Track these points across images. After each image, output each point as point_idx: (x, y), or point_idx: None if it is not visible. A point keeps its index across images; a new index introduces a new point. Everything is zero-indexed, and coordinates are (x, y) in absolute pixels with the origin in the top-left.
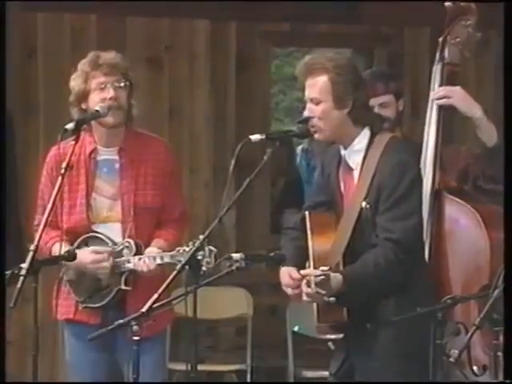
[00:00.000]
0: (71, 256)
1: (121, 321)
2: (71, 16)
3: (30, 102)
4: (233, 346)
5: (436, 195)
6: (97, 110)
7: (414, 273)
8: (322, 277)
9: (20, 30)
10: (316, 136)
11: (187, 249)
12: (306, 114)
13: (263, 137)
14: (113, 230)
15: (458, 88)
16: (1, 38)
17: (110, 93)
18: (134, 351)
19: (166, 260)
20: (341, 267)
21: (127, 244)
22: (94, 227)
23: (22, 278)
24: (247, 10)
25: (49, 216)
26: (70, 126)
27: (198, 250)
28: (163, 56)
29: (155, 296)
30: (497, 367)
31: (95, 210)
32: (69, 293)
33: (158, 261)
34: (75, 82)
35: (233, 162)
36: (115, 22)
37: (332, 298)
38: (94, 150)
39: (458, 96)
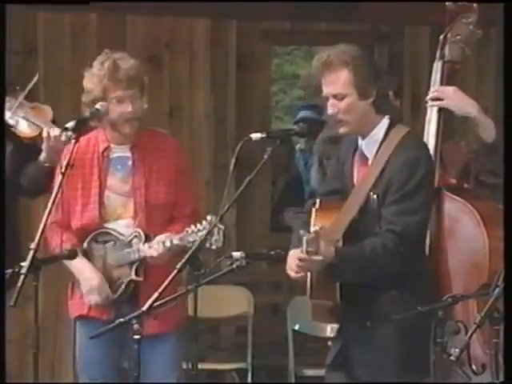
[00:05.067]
0: (72, 255)
1: (121, 319)
2: (71, 15)
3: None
4: (233, 344)
5: (436, 193)
6: (97, 109)
7: (414, 268)
8: (313, 235)
9: (20, 28)
10: (341, 130)
11: (195, 229)
12: (329, 111)
13: (263, 135)
14: (125, 227)
15: (450, 88)
16: (1, 37)
17: (129, 107)
18: (134, 350)
19: (175, 242)
20: (340, 245)
21: (136, 233)
22: (107, 225)
23: (22, 277)
24: (247, 9)
25: (48, 215)
26: (70, 124)
27: (204, 229)
28: (163, 54)
29: (156, 294)
30: (497, 366)
31: (108, 208)
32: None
33: (168, 244)
34: (92, 86)
35: (233, 160)
36: (115, 21)
37: (320, 257)
38: (107, 148)
39: (450, 97)
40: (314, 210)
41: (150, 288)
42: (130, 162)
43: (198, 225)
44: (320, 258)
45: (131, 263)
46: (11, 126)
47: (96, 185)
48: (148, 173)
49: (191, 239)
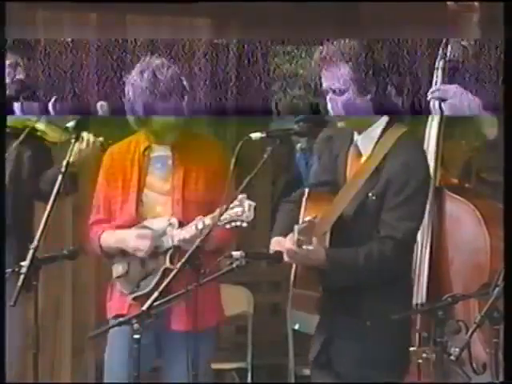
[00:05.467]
0: (73, 255)
1: (121, 319)
2: (72, 14)
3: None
4: (233, 344)
5: (437, 192)
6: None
7: (404, 269)
8: (306, 224)
9: (20, 28)
10: (339, 125)
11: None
12: (328, 105)
13: (263, 135)
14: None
15: (452, 87)
16: (4, 36)
17: (171, 117)
18: (134, 349)
19: (207, 223)
20: (327, 238)
21: (170, 222)
22: (145, 222)
23: (22, 276)
24: (247, 8)
25: (49, 215)
26: (70, 124)
27: (235, 207)
28: (163, 54)
29: (156, 294)
30: (497, 366)
31: (147, 206)
32: (121, 291)
33: (200, 226)
34: (135, 98)
35: (233, 160)
36: (115, 21)
37: (310, 247)
38: (148, 148)
39: (453, 96)
40: (304, 200)
41: (185, 276)
42: (169, 162)
43: (230, 204)
44: (311, 247)
45: (165, 251)
46: (37, 131)
47: (135, 183)
48: (187, 172)
49: (222, 218)
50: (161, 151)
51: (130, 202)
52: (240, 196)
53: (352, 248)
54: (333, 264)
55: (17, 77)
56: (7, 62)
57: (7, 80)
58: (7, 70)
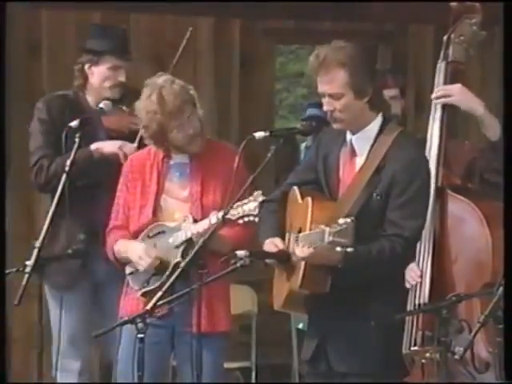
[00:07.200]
0: (76, 254)
1: (126, 318)
2: (75, 14)
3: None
4: (237, 343)
5: (439, 192)
6: (101, 108)
7: (405, 268)
8: (344, 226)
9: (24, 27)
10: (335, 126)
11: (240, 203)
12: (325, 108)
13: (267, 134)
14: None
15: (457, 86)
16: (4, 36)
17: (190, 130)
18: (137, 349)
19: (221, 216)
20: None
21: (185, 218)
22: (161, 222)
23: (26, 276)
24: (250, 7)
25: (54, 214)
26: (74, 123)
27: (249, 202)
28: (167, 53)
29: (160, 293)
30: (500, 365)
31: (166, 211)
32: (134, 289)
33: (213, 220)
34: (147, 123)
35: (237, 159)
36: (119, 20)
37: (350, 249)
38: (167, 155)
39: (457, 94)
40: (309, 201)
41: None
42: (188, 169)
43: (245, 200)
44: (350, 249)
45: (178, 246)
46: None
47: (154, 188)
48: (207, 179)
49: (235, 212)
50: (179, 159)
51: (147, 206)
52: (255, 192)
53: (364, 246)
54: (348, 261)
55: (118, 79)
56: (108, 65)
57: (109, 83)
58: (108, 73)
